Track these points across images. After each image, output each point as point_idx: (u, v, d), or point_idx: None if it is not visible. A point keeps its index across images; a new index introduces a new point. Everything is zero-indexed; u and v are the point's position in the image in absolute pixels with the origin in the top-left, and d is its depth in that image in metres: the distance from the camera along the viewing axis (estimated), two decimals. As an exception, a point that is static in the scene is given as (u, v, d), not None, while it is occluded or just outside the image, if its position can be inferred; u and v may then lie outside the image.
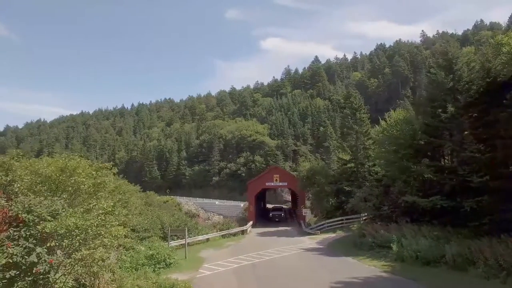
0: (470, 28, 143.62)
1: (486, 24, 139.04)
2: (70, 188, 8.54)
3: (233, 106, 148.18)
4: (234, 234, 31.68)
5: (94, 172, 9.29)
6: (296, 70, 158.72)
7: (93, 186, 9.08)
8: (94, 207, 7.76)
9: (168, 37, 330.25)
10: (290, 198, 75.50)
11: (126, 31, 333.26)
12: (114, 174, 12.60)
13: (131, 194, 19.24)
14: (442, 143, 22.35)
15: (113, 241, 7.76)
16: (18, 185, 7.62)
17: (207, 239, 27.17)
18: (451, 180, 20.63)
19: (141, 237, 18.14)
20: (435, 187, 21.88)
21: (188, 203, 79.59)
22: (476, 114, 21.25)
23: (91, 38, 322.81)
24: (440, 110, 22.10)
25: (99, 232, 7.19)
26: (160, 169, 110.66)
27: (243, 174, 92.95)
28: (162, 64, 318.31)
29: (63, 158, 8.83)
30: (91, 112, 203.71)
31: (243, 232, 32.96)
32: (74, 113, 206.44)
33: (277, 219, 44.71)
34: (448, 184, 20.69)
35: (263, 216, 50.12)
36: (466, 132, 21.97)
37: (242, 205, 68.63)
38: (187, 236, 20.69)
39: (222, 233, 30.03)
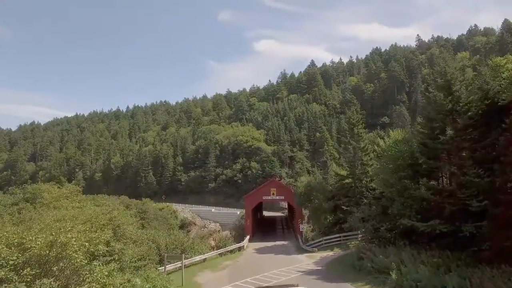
0: (465, 32, 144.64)
1: (480, 29, 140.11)
2: (60, 264, 8.01)
3: (229, 111, 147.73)
4: (232, 251, 31.27)
5: (87, 244, 8.74)
6: (292, 74, 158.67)
7: (85, 253, 8.62)
8: (87, 279, 7.36)
9: (163, 39, 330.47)
10: (286, 205, 75.21)
11: (121, 33, 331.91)
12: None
13: (128, 224, 18.82)
14: (441, 165, 22.19)
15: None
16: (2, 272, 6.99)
17: (204, 259, 26.79)
18: (449, 204, 20.42)
19: (136, 266, 17.75)
20: (434, 210, 21.71)
21: (184, 210, 79.13)
22: (475, 136, 21.13)
23: (86, 40, 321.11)
24: (438, 131, 21.95)
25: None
26: (155, 175, 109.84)
27: (240, 181, 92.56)
28: (157, 66, 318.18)
29: (52, 234, 8.16)
30: (86, 114, 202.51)
31: (240, 248, 32.58)
32: (69, 115, 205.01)
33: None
34: (448, 208, 20.48)
35: (259, 227, 49.95)
36: (465, 154, 21.81)
37: (238, 212, 68.29)
38: (183, 264, 20.33)
39: (219, 252, 29.64)
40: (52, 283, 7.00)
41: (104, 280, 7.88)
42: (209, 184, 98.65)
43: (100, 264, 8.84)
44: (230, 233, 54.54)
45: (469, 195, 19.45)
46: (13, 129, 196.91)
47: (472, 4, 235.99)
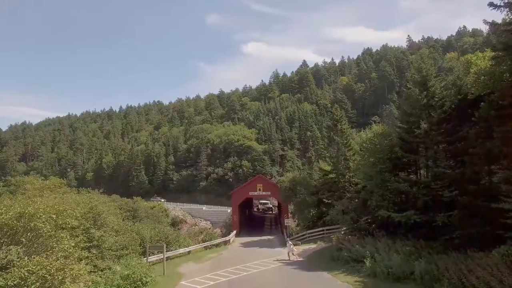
0: (454, 33, 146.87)
1: (469, 31, 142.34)
2: (29, 234, 8.56)
3: (221, 110, 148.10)
4: (217, 245, 31.79)
5: (54, 216, 9.24)
6: (285, 74, 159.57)
7: (54, 227, 9.09)
8: (53, 249, 7.84)
9: (154, 41, 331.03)
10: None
11: (114, 34, 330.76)
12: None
13: (109, 213, 19.24)
14: (417, 158, 22.95)
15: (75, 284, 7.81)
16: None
17: (189, 252, 27.27)
18: (424, 195, 21.17)
19: (118, 255, 18.17)
20: (410, 201, 22.48)
21: (176, 208, 79.32)
22: (448, 130, 21.93)
23: (79, 41, 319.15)
24: (414, 125, 22.71)
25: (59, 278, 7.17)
26: (147, 174, 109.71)
27: (231, 180, 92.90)
28: (151, 68, 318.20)
29: (21, 204, 8.73)
30: (78, 115, 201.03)
31: (225, 242, 33.10)
32: (61, 115, 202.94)
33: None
34: (421, 199, 21.23)
35: (248, 223, 50.51)
36: (439, 147, 22.60)
37: (229, 210, 68.65)
38: (165, 254, 20.77)
39: (204, 245, 30.13)
40: (18, 249, 7.46)
41: (71, 250, 8.35)
42: (201, 183, 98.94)
43: (69, 236, 9.33)
44: (221, 231, 55.12)
45: (441, 186, 20.18)
46: (3, 129, 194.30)
47: (455, 8, 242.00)
